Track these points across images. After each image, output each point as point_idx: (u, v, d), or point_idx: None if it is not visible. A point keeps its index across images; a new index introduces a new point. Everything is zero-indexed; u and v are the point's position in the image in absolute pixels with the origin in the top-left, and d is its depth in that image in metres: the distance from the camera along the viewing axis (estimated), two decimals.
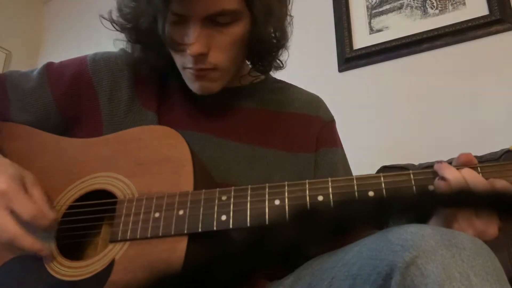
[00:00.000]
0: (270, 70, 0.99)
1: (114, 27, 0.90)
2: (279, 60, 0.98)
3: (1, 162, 0.77)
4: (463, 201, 0.63)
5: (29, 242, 0.71)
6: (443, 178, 0.66)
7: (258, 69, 0.97)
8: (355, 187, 0.69)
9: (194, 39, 0.80)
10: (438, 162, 0.68)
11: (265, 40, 0.90)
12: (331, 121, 1.05)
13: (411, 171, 0.69)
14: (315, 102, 1.05)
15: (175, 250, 0.69)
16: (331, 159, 0.99)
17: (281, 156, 0.94)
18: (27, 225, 0.72)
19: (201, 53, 0.82)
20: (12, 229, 0.70)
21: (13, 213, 0.71)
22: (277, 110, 1.00)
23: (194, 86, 0.88)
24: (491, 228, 0.64)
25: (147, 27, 0.83)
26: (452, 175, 0.65)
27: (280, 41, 0.93)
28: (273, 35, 0.92)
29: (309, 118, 1.01)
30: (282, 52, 0.96)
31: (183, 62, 0.86)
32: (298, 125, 0.99)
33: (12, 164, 0.77)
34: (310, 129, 1.00)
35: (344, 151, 1.05)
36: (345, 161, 1.04)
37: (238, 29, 0.84)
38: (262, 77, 1.05)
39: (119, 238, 0.72)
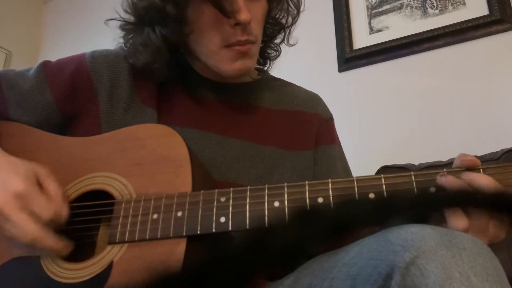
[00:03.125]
0: (269, 59, 1.05)
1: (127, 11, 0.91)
2: (275, 48, 1.04)
3: (11, 161, 0.76)
4: (465, 201, 0.63)
5: (50, 242, 0.71)
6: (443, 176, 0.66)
7: (262, 56, 1.02)
8: (356, 188, 0.68)
9: (242, 4, 0.82)
10: (441, 175, 0.67)
11: (275, 21, 0.97)
12: (330, 119, 1.06)
13: (412, 173, 0.68)
14: (314, 100, 1.06)
15: (174, 253, 0.68)
16: (330, 156, 1.00)
17: (281, 154, 0.94)
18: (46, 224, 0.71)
19: (250, 21, 0.83)
20: (32, 230, 0.69)
21: (32, 214, 0.70)
22: (276, 107, 1.01)
23: (234, 66, 0.87)
24: (502, 232, 0.63)
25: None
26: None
27: (284, 24, 1.00)
28: (280, 16, 0.98)
29: (308, 116, 1.02)
30: (285, 35, 1.03)
31: (225, 37, 0.85)
32: (297, 123, 1.00)
33: (22, 162, 0.76)
34: (309, 126, 1.00)
35: (342, 149, 1.06)
36: (344, 158, 1.04)
37: (265, 3, 0.89)
38: (261, 75, 1.06)
39: (117, 240, 0.72)
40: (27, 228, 0.69)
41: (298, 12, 1.01)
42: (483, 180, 0.63)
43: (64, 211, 0.74)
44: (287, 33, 1.03)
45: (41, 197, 0.72)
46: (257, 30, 0.87)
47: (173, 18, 0.84)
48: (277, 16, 0.99)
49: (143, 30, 0.90)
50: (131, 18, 0.92)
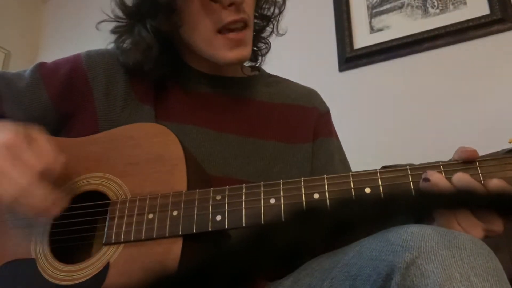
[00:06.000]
0: (260, 55, 1.06)
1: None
2: (264, 41, 1.05)
3: (4, 123, 0.72)
4: (463, 201, 0.62)
5: (39, 196, 0.65)
6: (426, 179, 0.65)
7: (253, 51, 1.02)
8: (351, 184, 0.68)
9: None
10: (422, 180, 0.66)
11: (262, 15, 0.99)
12: (327, 112, 1.07)
13: (408, 167, 0.67)
14: (311, 94, 1.07)
15: (170, 252, 0.68)
16: (328, 148, 1.00)
17: (280, 148, 0.95)
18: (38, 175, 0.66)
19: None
20: (21, 180, 0.65)
21: (23, 165, 0.66)
22: (274, 102, 1.01)
23: (231, 54, 0.87)
24: (495, 225, 0.63)
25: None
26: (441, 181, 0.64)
27: (271, 16, 1.02)
28: (266, 7, 1.00)
29: (305, 110, 1.02)
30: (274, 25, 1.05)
31: (218, 20, 0.84)
32: (295, 117, 1.00)
33: (13, 122, 0.72)
34: (307, 120, 1.01)
35: (340, 142, 1.06)
36: (341, 151, 1.05)
37: None
38: (257, 72, 1.07)
39: (113, 241, 0.72)
40: (15, 177, 0.65)
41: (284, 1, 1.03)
42: (442, 183, 0.64)
43: (58, 161, 0.70)
44: (275, 25, 1.04)
45: (31, 148, 0.68)
46: (249, 11, 0.87)
47: (165, 7, 0.84)
48: (263, 7, 1.00)
49: (134, 29, 0.91)
50: (122, 18, 0.93)
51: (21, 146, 0.68)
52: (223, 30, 0.85)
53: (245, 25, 0.86)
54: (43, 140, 0.71)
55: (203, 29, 0.86)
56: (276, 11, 1.02)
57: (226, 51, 0.87)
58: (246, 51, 0.88)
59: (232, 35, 0.85)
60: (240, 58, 0.88)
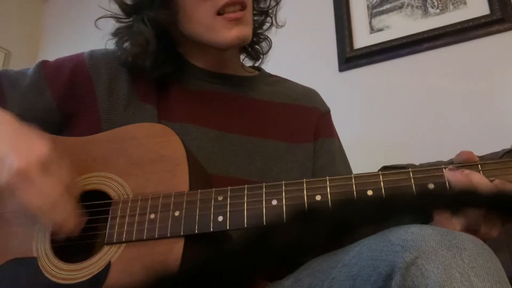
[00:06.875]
0: (261, 53, 1.07)
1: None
2: (263, 37, 1.06)
3: (32, 130, 0.72)
4: (466, 202, 0.62)
5: (66, 211, 0.68)
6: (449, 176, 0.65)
7: (253, 49, 1.04)
8: (354, 186, 0.68)
9: None
10: (449, 169, 0.66)
11: (259, 10, 1.01)
12: (328, 113, 1.08)
13: (410, 169, 0.67)
14: (311, 94, 1.08)
15: (172, 252, 0.68)
16: (329, 149, 1.01)
17: (281, 147, 0.95)
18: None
19: None
20: (54, 194, 0.66)
21: (54, 180, 0.68)
22: (275, 101, 1.01)
23: (231, 33, 0.87)
24: (491, 226, 0.63)
25: None
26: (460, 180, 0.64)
27: (268, 10, 1.03)
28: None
29: (306, 109, 1.03)
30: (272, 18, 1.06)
31: (215, 4, 0.85)
32: (296, 116, 1.01)
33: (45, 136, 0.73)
34: (308, 119, 1.02)
35: (340, 142, 1.07)
36: (342, 151, 1.06)
37: None
38: (257, 72, 1.08)
39: (114, 240, 0.72)
40: (45, 188, 0.66)
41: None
42: (476, 178, 0.63)
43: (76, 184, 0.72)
44: (273, 17, 1.05)
45: (62, 163, 0.70)
46: None
47: None
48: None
49: (133, 28, 0.92)
50: (122, 16, 0.94)
51: (53, 160, 0.68)
52: (220, 13, 0.86)
53: (243, 8, 0.87)
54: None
55: (201, 15, 0.86)
56: (273, 3, 1.03)
57: (226, 31, 0.87)
58: (246, 30, 0.89)
59: (230, 14, 0.85)
60: (241, 37, 0.88)
